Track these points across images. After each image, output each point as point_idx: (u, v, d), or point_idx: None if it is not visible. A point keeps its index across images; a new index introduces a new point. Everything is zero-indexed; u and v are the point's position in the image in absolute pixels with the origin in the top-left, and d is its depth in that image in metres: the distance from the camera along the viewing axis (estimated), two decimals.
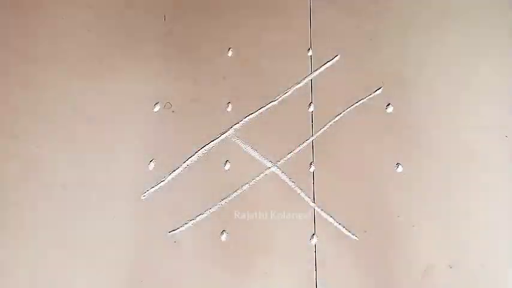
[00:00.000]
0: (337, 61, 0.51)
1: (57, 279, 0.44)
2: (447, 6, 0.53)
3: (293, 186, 0.47)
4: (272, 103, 0.50)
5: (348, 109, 0.50)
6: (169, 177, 0.48)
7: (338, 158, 0.48)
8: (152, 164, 0.48)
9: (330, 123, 0.49)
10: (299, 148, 0.49)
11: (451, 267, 0.44)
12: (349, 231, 0.46)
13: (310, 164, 0.48)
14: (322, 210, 0.46)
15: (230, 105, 0.50)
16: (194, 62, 0.52)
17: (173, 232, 0.46)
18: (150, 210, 0.46)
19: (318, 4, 0.53)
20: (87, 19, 0.53)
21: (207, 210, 0.47)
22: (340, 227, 0.46)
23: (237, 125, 0.49)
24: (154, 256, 0.45)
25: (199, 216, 0.46)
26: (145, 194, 0.47)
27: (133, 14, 0.53)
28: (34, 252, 0.45)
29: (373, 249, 0.45)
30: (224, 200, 0.47)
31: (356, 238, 0.45)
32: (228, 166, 0.48)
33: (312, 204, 0.47)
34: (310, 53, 0.52)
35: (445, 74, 0.51)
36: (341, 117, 0.49)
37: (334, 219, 0.46)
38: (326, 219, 0.46)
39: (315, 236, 0.46)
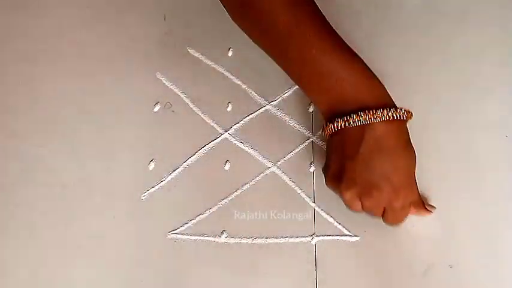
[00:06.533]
0: None
1: (57, 279, 0.44)
2: (447, 6, 0.53)
3: (293, 186, 0.47)
4: (272, 103, 0.50)
5: None
6: (169, 177, 0.47)
7: None
8: (152, 164, 0.48)
9: None
10: (299, 148, 0.49)
11: (451, 267, 0.44)
12: (349, 231, 0.46)
13: (310, 164, 0.48)
14: (322, 210, 0.46)
15: (230, 105, 0.50)
16: (194, 62, 0.52)
17: (173, 232, 0.46)
18: (150, 210, 0.46)
19: (317, 4, 0.53)
20: (87, 19, 0.53)
21: (207, 210, 0.46)
22: (340, 227, 0.46)
23: (237, 125, 0.49)
24: (154, 256, 0.45)
25: (199, 216, 0.46)
26: (145, 194, 0.47)
27: (134, 14, 0.53)
28: (34, 252, 0.45)
29: (373, 249, 0.45)
30: (224, 200, 0.47)
31: (356, 238, 0.45)
32: (228, 166, 0.48)
33: (312, 204, 0.47)
34: None
35: (445, 74, 0.51)
36: None
37: (334, 219, 0.46)
38: (326, 219, 0.46)
39: (315, 236, 0.46)
